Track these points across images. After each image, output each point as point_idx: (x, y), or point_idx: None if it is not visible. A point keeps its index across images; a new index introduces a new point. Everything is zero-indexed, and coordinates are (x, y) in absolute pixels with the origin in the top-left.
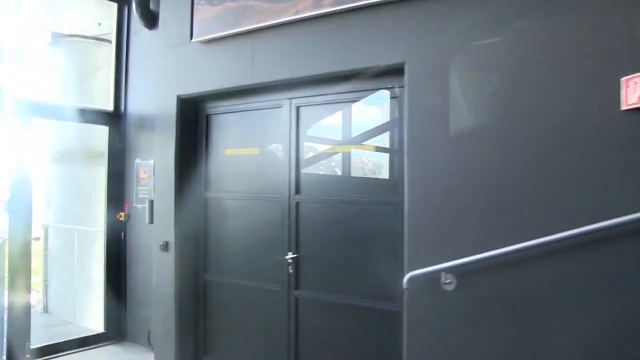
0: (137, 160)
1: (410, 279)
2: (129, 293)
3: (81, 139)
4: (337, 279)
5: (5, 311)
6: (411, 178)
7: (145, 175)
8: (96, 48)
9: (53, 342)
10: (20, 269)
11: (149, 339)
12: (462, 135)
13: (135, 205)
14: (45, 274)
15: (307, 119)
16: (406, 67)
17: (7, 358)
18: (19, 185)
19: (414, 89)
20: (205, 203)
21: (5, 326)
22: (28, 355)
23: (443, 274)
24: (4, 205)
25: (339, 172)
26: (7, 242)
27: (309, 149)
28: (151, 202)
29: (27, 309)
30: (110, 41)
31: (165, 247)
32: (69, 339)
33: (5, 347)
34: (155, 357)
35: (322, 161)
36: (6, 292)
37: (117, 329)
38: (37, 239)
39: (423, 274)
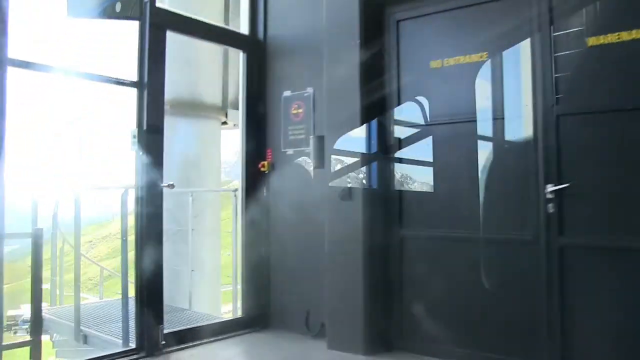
0: (286, 93)
1: None
2: (272, 268)
3: (187, 89)
4: (636, 215)
5: (132, 282)
6: None
7: (300, 110)
8: None
9: (186, 328)
10: (150, 226)
11: (307, 322)
12: None
13: (283, 150)
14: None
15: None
16: None
17: (138, 344)
18: (150, 112)
19: None
20: None
21: (132, 304)
22: (163, 342)
23: None
24: (131, 140)
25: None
26: (131, 191)
27: (570, 40)
28: (319, 140)
29: (159, 280)
30: None
31: (347, 194)
32: (201, 324)
33: (134, 330)
34: (328, 343)
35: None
36: (133, 256)
37: (258, 313)
38: (172, 185)
39: None
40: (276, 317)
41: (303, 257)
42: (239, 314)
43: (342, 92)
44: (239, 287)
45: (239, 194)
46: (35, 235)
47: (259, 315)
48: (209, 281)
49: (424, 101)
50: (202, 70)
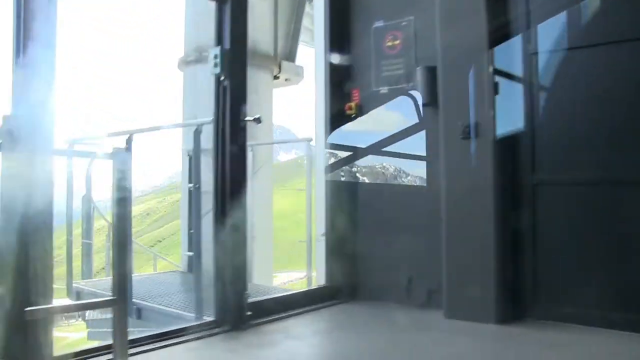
0: (378, 24)
1: None
2: (360, 230)
3: None
4: None
5: (207, 239)
6: None
7: (396, 42)
8: None
9: (268, 298)
10: (232, 170)
11: (408, 290)
12: None
13: (375, 89)
14: (191, 218)
15: None
16: None
17: (218, 316)
18: (234, 28)
19: None
20: (531, 60)
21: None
22: (249, 313)
23: None
24: (212, 61)
25: None
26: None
27: None
28: (430, 71)
29: (243, 238)
30: None
31: (468, 131)
32: (282, 295)
33: (214, 301)
34: (446, 312)
35: None
36: (209, 214)
37: (344, 282)
38: (258, 120)
39: None
40: (364, 285)
41: (400, 214)
42: (314, 283)
43: (460, 15)
44: (314, 253)
45: (318, 142)
46: (118, 157)
47: (344, 285)
48: (263, 249)
49: (564, 21)
50: (252, 14)
